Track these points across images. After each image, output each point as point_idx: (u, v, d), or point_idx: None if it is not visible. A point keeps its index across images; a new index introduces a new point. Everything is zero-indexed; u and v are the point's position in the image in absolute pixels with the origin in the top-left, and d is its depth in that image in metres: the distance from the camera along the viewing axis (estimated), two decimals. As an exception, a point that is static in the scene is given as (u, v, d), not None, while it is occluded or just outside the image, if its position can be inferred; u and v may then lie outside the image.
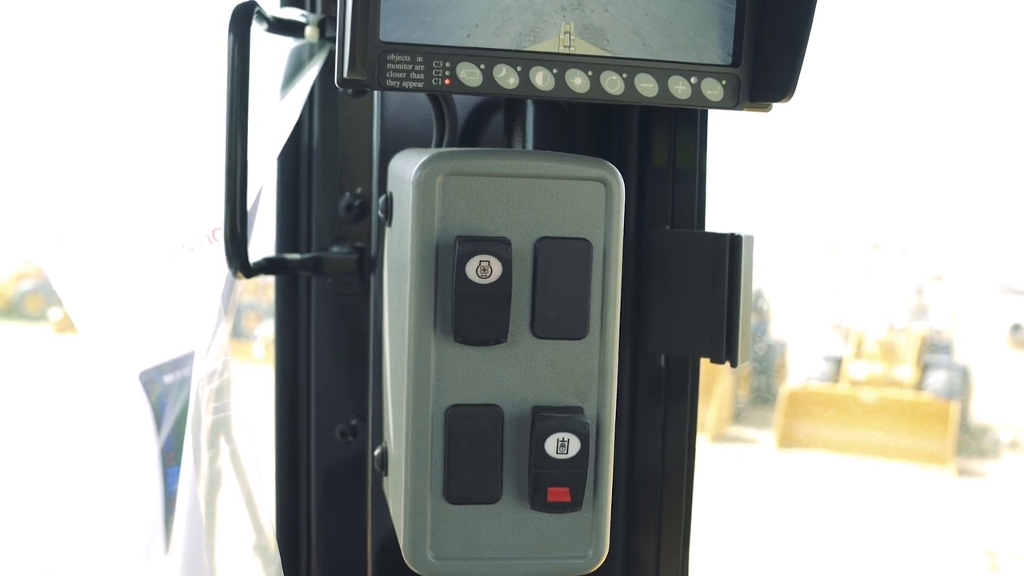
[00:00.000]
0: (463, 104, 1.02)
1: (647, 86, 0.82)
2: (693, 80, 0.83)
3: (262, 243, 1.15)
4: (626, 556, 1.10)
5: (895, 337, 7.89)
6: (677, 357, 1.07)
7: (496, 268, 0.78)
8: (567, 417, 0.81)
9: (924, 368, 7.71)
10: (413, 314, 0.80)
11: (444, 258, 0.79)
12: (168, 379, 1.13)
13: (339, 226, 1.15)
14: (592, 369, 0.83)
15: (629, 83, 0.81)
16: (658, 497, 1.08)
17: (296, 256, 1.15)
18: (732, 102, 0.84)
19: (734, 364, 1.00)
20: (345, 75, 0.77)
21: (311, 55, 1.12)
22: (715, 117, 1.05)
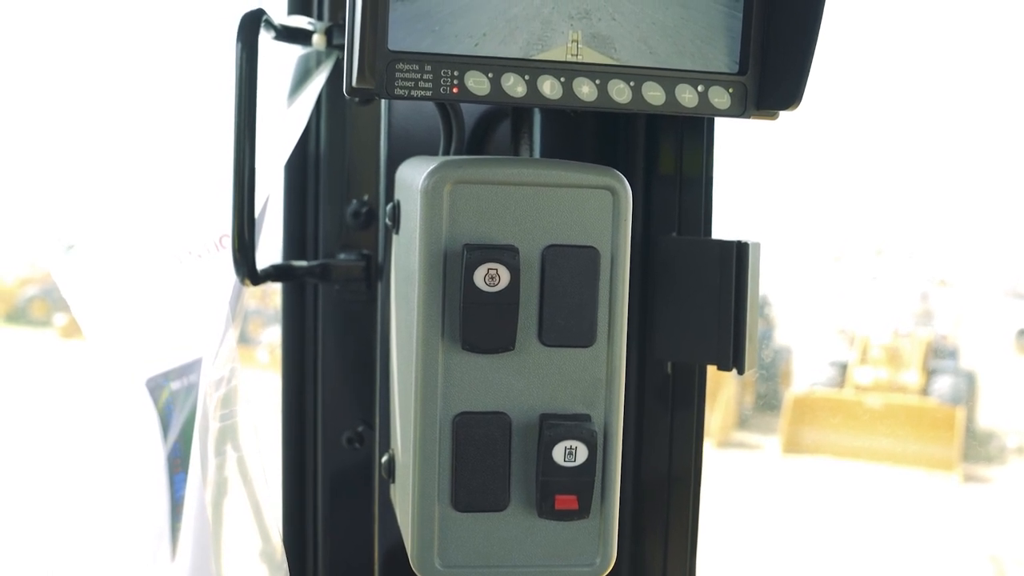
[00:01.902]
0: (470, 112, 1.02)
1: (654, 94, 0.82)
2: (700, 88, 0.83)
3: (269, 250, 1.15)
4: (633, 563, 1.10)
5: (900, 342, 7.87)
6: (684, 364, 1.07)
7: (504, 276, 0.78)
8: (575, 425, 0.81)
9: (930, 373, 7.69)
10: (421, 322, 0.80)
11: (452, 266, 0.79)
12: (175, 385, 1.13)
13: (346, 233, 1.16)
14: (600, 377, 0.83)
15: (636, 91, 0.82)
16: (665, 504, 1.08)
17: (303, 263, 1.16)
18: (739, 110, 0.84)
19: (741, 371, 1.00)
20: (354, 83, 0.77)
21: (318, 63, 1.12)
22: (722, 124, 1.05)
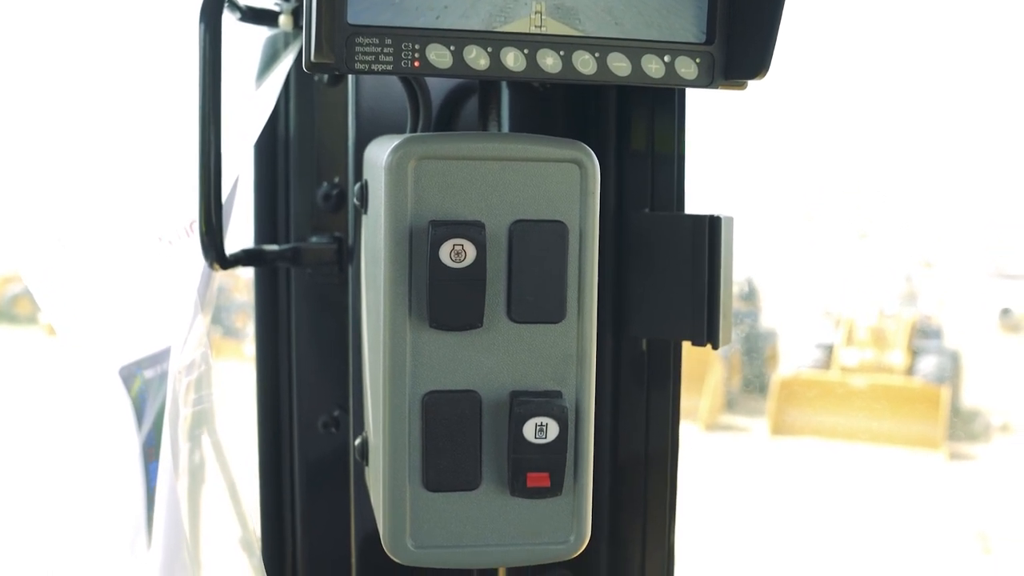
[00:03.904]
0: (438, 90, 1.01)
1: (620, 65, 0.81)
2: (667, 59, 0.82)
3: (241, 235, 1.14)
4: (611, 542, 1.10)
5: (886, 323, 7.92)
6: (659, 341, 1.06)
7: (470, 252, 0.77)
8: (545, 401, 0.80)
9: (915, 354, 7.74)
10: (388, 300, 0.79)
11: (418, 243, 0.78)
12: (148, 374, 1.12)
13: (317, 216, 1.14)
14: (570, 352, 0.82)
15: (602, 63, 0.80)
16: (642, 482, 1.07)
17: (274, 247, 1.14)
18: (707, 80, 0.83)
19: (715, 346, 0.99)
20: (312, 59, 0.76)
21: (286, 44, 1.11)
22: (694, 98, 1.04)
